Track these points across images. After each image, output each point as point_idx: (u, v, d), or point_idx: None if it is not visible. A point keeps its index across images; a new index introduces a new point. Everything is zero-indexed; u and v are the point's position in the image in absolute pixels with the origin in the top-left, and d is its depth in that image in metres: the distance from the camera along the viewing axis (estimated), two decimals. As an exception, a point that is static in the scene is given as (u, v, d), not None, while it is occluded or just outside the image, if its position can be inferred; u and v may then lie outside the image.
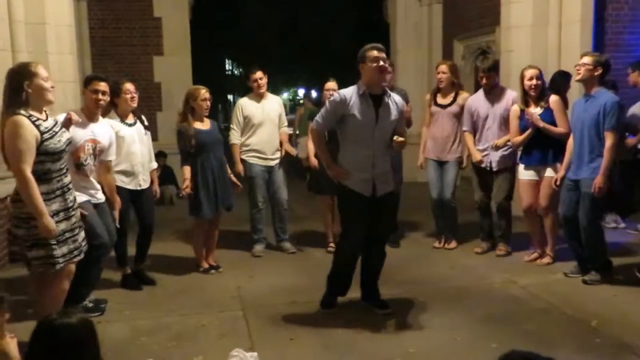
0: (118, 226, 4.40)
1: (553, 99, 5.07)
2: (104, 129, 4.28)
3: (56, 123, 3.54)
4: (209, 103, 5.09)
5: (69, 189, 3.53)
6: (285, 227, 5.95)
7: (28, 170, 3.24)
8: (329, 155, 4.19)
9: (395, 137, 4.01)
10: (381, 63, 3.97)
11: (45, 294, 3.53)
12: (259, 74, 5.71)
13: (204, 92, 5.08)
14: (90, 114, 4.19)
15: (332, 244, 5.63)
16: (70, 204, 3.51)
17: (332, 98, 4.22)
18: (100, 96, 4.16)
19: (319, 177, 5.56)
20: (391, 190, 4.23)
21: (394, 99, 4.13)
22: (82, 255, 3.60)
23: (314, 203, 6.47)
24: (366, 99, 4.00)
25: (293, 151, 6.09)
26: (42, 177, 3.34)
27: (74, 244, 3.52)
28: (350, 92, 4.04)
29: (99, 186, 4.25)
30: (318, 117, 4.21)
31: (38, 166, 3.32)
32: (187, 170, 5.06)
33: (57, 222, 3.38)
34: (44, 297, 3.53)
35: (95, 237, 3.94)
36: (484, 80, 5.45)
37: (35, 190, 3.26)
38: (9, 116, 3.29)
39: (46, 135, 3.34)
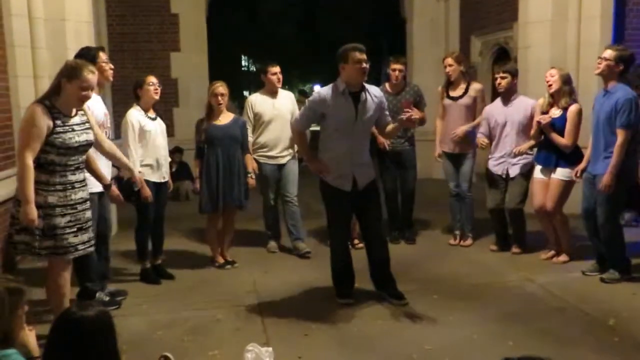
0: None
1: (572, 108, 4.99)
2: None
3: (82, 123, 3.49)
4: (219, 99, 5.07)
5: (74, 187, 3.46)
6: (298, 225, 5.73)
7: (29, 156, 3.25)
8: (309, 151, 4.43)
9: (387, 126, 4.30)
10: (364, 65, 4.04)
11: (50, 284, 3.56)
12: (278, 68, 5.59)
13: (214, 87, 5.12)
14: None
15: (355, 240, 5.60)
16: (71, 202, 3.44)
17: (311, 98, 4.42)
18: (110, 64, 4.19)
19: None
20: (371, 180, 4.32)
21: (373, 94, 4.20)
22: (67, 255, 3.47)
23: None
24: (346, 96, 4.10)
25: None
26: (45, 166, 3.35)
27: (63, 242, 3.40)
28: (328, 91, 4.17)
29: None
30: (298, 116, 4.38)
31: (41, 154, 3.32)
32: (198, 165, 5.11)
33: (52, 216, 3.35)
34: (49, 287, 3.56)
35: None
36: (499, 81, 5.33)
37: (29, 176, 3.25)
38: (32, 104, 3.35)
39: (59, 129, 3.33)
